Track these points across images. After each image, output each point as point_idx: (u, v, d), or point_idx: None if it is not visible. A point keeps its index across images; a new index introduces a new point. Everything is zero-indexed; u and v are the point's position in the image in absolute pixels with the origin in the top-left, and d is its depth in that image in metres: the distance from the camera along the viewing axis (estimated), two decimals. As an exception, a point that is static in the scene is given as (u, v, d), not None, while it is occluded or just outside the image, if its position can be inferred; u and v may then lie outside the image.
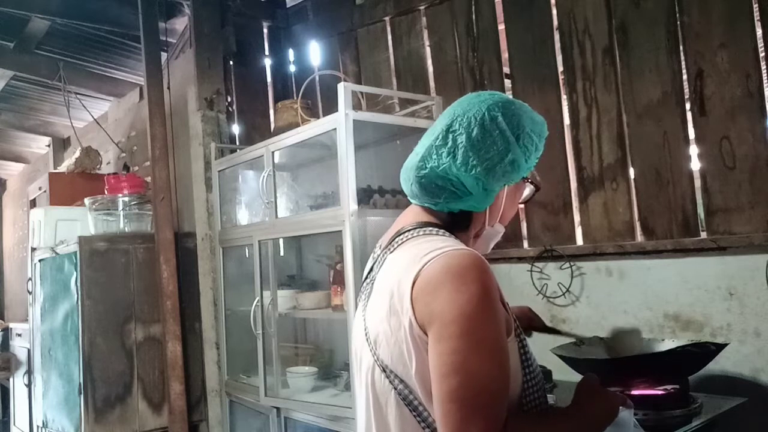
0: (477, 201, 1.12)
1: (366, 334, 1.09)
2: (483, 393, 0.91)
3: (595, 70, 2.28)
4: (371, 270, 1.18)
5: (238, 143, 3.31)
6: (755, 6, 1.91)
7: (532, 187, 1.21)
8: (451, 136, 1.10)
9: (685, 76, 2.07)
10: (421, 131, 2.47)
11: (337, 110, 2.25)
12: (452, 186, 1.10)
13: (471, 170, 1.08)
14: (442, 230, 1.10)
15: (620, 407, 1.09)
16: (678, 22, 2.07)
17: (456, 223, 1.13)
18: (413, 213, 1.17)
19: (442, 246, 1.01)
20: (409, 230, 1.12)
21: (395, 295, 1.02)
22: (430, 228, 1.11)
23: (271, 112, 3.48)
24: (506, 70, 2.60)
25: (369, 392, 1.08)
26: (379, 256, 1.17)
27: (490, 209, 1.15)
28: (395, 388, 1.02)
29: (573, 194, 2.38)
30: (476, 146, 1.08)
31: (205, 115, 3.18)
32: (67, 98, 4.10)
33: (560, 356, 1.89)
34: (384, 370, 1.04)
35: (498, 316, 0.96)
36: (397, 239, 1.12)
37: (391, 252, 1.12)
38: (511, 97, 1.17)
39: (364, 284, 1.19)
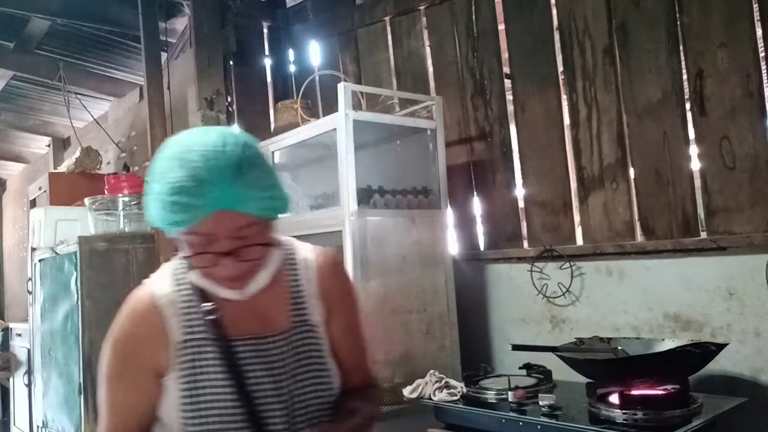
0: None
1: None
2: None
3: (595, 70, 2.28)
4: None
5: (238, 143, 3.30)
6: (755, 6, 1.91)
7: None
8: None
9: (685, 76, 2.07)
10: (422, 131, 2.50)
11: (337, 110, 2.25)
12: None
13: None
14: None
15: None
16: (678, 22, 2.07)
17: None
18: None
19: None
20: None
21: None
22: None
23: (271, 112, 3.48)
24: (506, 70, 2.60)
25: None
26: None
27: None
28: None
29: (573, 194, 2.38)
30: None
31: (205, 115, 3.17)
32: (67, 98, 4.10)
33: (560, 356, 1.89)
34: None
35: (124, 366, 1.08)
36: None
37: None
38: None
39: None
